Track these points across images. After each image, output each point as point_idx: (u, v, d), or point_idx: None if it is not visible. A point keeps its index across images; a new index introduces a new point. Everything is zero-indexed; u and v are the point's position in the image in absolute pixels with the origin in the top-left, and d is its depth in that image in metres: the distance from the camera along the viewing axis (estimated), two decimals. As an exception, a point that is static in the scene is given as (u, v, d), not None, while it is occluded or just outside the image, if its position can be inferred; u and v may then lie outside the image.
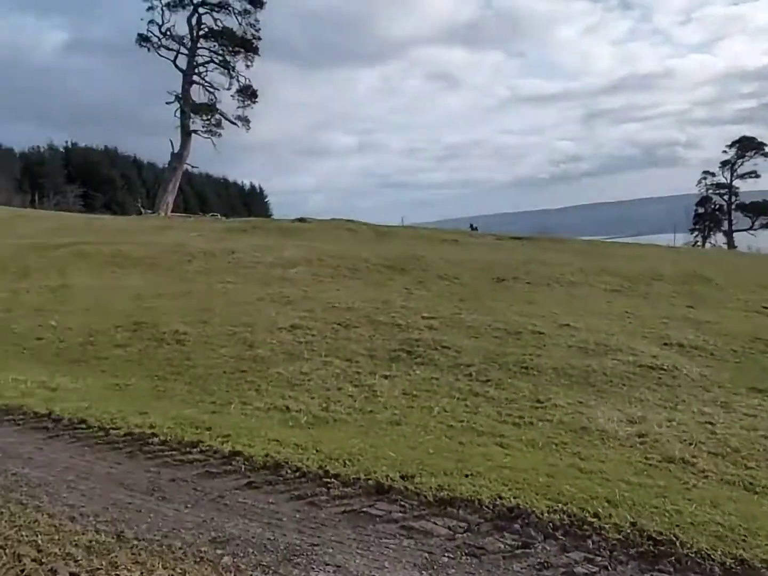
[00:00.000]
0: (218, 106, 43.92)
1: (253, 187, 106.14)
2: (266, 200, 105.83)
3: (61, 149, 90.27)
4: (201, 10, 42.70)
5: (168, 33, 43.23)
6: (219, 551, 3.34)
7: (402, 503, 3.89)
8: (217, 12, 42.61)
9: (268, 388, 7.53)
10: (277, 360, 8.76)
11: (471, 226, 45.72)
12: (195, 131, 43.33)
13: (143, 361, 8.46)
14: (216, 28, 42.98)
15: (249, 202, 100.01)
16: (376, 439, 5.26)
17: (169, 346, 9.09)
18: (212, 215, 42.10)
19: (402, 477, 4.17)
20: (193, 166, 48.55)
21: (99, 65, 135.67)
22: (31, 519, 3.71)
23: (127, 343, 9.25)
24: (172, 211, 44.79)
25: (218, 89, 43.88)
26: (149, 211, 45.01)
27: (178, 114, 43.46)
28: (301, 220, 30.48)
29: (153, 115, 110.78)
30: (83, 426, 5.24)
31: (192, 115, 42.73)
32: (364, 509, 3.85)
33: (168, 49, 43.65)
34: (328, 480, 4.21)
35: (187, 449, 4.87)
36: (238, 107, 44.11)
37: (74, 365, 8.36)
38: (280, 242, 20.68)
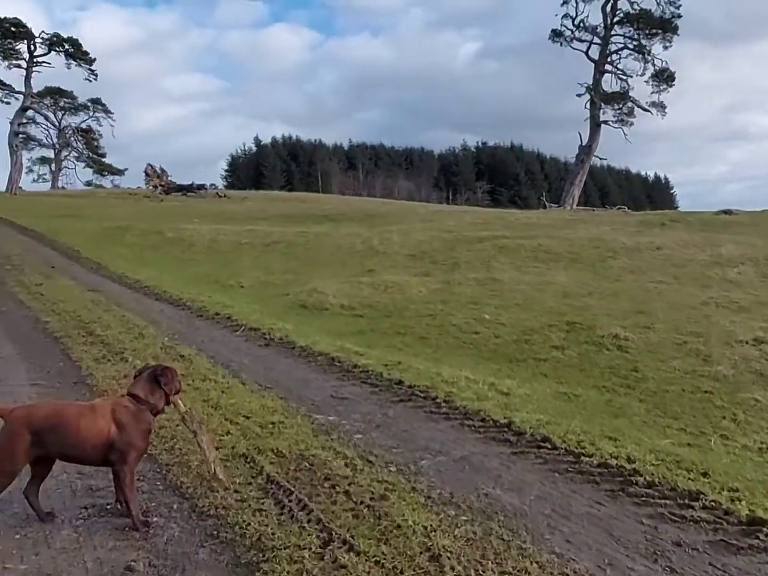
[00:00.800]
0: (630, 93, 41.72)
1: (657, 177, 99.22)
2: (672, 191, 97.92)
3: (473, 149, 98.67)
4: (618, -5, 41.09)
5: (581, 24, 42.85)
6: None
7: None
8: (636, -5, 40.45)
9: (748, 419, 6.01)
10: (746, 382, 7.11)
11: None
12: (605, 122, 41.93)
13: (584, 367, 7.72)
14: (632, 11, 40.76)
15: (652, 194, 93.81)
16: None
17: (610, 352, 8.17)
18: (619, 208, 40.16)
19: None
20: (601, 158, 47.12)
21: (507, 69, 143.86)
22: (518, 566, 3.13)
23: (564, 345, 8.63)
24: (576, 205, 44.25)
25: (631, 76, 41.72)
26: (554, 205, 45.33)
27: (587, 106, 42.73)
28: (726, 212, 26.69)
29: (557, 111, 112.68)
30: (548, 445, 4.62)
31: (602, 105, 41.39)
32: None
33: (580, 40, 43.30)
34: None
35: (685, 501, 3.82)
36: (652, 92, 41.29)
37: (513, 364, 8.08)
38: (709, 237, 18.04)
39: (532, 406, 5.59)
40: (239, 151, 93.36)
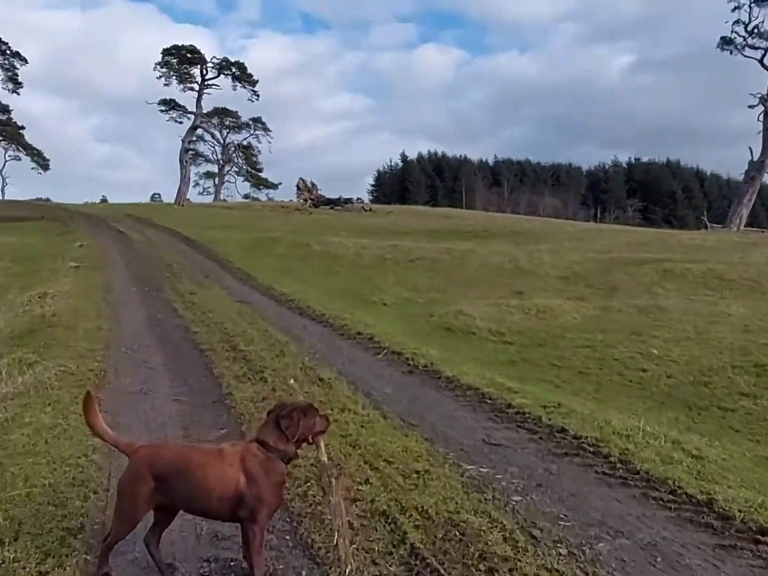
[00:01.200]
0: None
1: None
2: None
3: (624, 165, 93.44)
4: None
5: (755, 30, 38.95)
6: None
7: None
8: None
9: None
10: None
11: None
12: (786, 132, 37.62)
13: (788, 425, 6.39)
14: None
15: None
16: None
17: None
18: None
19: None
20: (778, 175, 42.30)
21: (663, 82, 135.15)
22: None
23: (754, 393, 7.30)
24: (744, 226, 40.05)
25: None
26: (717, 226, 41.39)
27: (760, 118, 38.64)
28: None
29: (719, 124, 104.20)
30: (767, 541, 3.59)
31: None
32: None
33: (754, 48, 39.45)
34: None
35: None
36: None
37: (693, 413, 6.90)
38: None
39: (733, 477, 4.51)
40: (386, 166, 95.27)
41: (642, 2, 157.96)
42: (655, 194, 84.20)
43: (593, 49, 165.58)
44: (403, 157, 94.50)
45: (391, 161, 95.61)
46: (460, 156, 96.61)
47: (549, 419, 5.47)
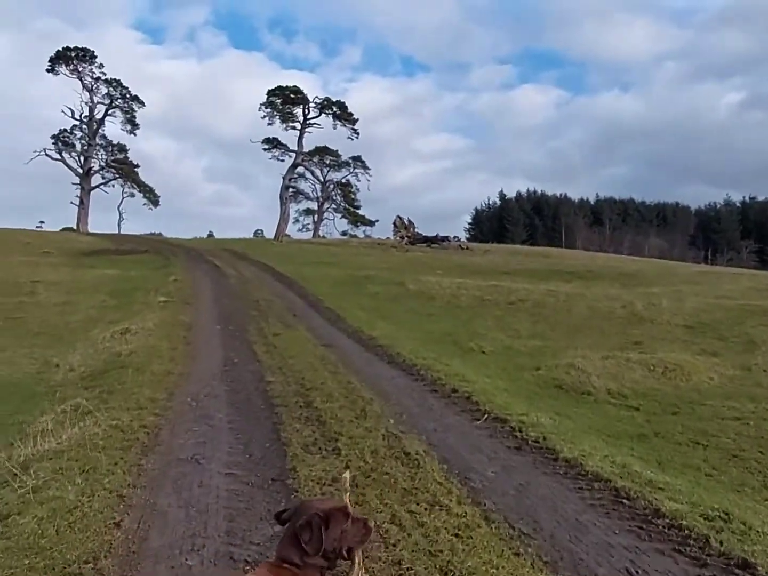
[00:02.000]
0: None
1: None
2: None
3: (737, 204, 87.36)
4: None
5: None
6: None
7: None
8: None
9: None
10: None
11: None
12: None
13: None
14: None
15: None
16: None
17: None
18: None
19: None
20: None
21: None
22: None
23: None
24: None
25: None
26: None
27: None
28: None
29: None
30: None
31: None
32: None
33: None
34: None
35: None
36: None
37: None
38: None
39: None
40: (483, 204, 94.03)
41: (750, 39, 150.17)
42: (773, 234, 77.98)
43: (698, 86, 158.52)
44: (501, 196, 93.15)
45: (488, 200, 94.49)
46: (560, 194, 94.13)
47: (720, 542, 3.90)
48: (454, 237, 51.46)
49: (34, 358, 11.63)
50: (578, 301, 17.93)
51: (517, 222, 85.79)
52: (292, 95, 56.73)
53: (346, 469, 5.00)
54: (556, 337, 13.77)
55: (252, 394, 7.71)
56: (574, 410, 8.04)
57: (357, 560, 2.54)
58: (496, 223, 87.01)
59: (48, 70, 55.48)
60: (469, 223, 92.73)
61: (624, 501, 4.59)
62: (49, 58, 55.18)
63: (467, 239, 69.60)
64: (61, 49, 55.48)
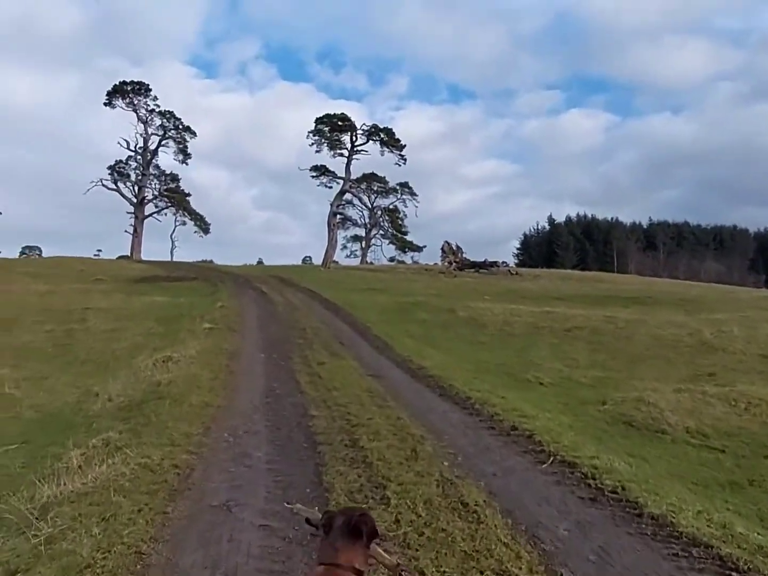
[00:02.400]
0: None
1: None
2: None
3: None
4: None
5: None
6: None
7: None
8: None
9: None
10: None
11: None
12: None
13: None
14: None
15: None
16: None
17: None
18: None
19: None
20: None
21: None
22: None
23: None
24: None
25: None
26: None
27: None
28: None
29: None
30: None
31: None
32: None
33: None
34: None
35: None
36: None
37: None
38: None
39: None
40: (532, 229, 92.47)
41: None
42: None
43: (754, 107, 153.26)
44: (551, 221, 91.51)
45: (537, 224, 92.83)
46: (611, 218, 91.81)
47: None
48: (503, 262, 50.54)
49: (76, 387, 11.40)
50: (639, 328, 16.89)
51: (567, 246, 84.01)
52: (339, 122, 57.10)
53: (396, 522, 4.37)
54: (618, 366, 12.85)
55: (293, 430, 7.14)
56: (649, 452, 7.19)
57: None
58: (545, 247, 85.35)
59: (105, 104, 57.36)
60: (518, 248, 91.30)
61: (733, 575, 3.80)
62: (106, 92, 57.13)
63: (516, 264, 68.38)
64: (118, 83, 57.42)
